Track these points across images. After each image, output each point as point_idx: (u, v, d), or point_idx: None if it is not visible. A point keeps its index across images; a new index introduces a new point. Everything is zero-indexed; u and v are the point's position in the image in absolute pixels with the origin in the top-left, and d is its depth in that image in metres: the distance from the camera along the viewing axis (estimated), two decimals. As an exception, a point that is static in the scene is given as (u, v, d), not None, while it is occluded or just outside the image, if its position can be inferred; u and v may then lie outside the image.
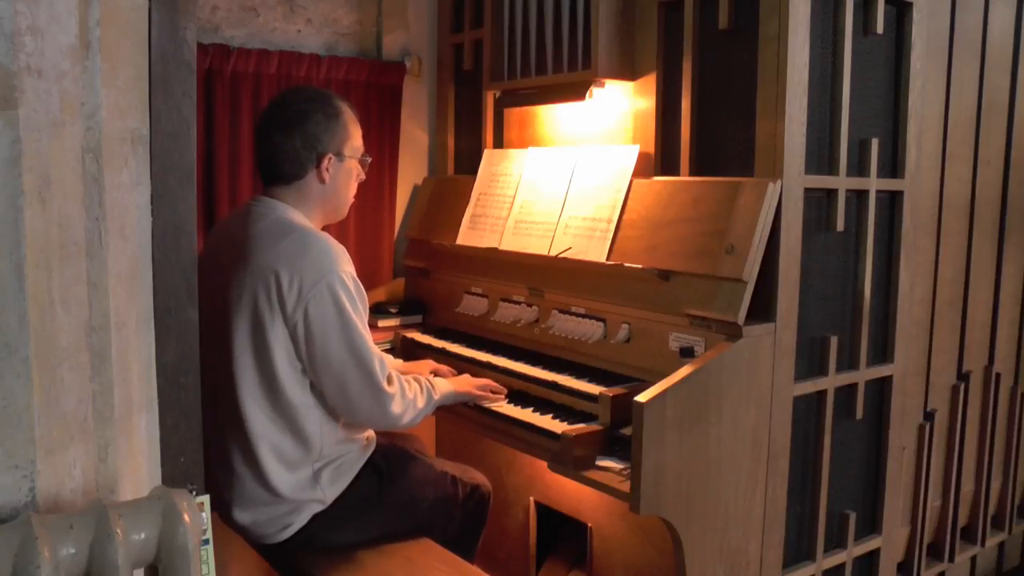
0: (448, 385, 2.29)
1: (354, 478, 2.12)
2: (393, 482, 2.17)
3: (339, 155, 2.11)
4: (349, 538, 2.12)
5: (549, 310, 2.54)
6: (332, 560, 2.07)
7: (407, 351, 2.81)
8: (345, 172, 2.14)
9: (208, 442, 2.00)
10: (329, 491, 2.07)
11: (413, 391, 2.14)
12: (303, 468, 2.05)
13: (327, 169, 2.09)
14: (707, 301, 2.09)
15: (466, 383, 2.35)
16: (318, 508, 2.07)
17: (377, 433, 2.25)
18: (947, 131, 2.62)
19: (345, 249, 2.05)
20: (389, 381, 2.06)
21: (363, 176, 2.21)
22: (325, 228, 2.19)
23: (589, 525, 2.54)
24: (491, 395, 2.36)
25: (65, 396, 1.16)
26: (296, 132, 2.06)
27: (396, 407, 2.06)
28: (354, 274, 2.03)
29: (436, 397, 2.21)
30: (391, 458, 2.21)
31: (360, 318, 2.01)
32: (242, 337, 2.00)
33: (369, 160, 2.23)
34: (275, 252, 1.97)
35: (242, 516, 2.05)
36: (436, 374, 2.48)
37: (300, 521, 2.06)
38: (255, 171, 2.76)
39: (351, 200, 2.22)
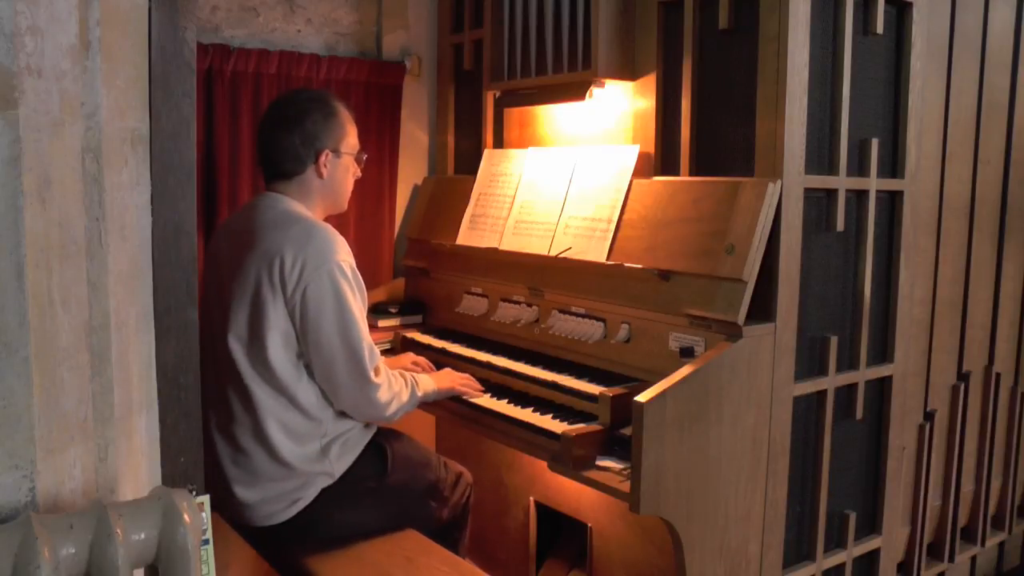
0: (430, 383, 2.33)
1: (360, 455, 2.18)
2: (395, 462, 2.23)
3: (336, 151, 2.22)
4: (352, 518, 2.17)
5: (549, 310, 2.54)
6: (332, 560, 2.07)
7: (407, 351, 2.80)
8: (342, 168, 2.25)
9: (219, 425, 2.05)
10: (337, 464, 2.13)
11: (399, 385, 2.20)
12: (311, 442, 2.11)
13: (325, 165, 2.20)
14: (707, 301, 2.09)
15: (447, 379, 2.39)
16: (327, 482, 2.12)
17: None
18: (947, 131, 2.62)
19: (346, 241, 2.14)
20: (376, 372, 2.12)
21: (359, 173, 2.32)
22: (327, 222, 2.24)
23: (589, 525, 2.54)
24: (472, 390, 2.40)
25: (65, 396, 1.16)
26: (295, 130, 2.17)
27: (382, 396, 2.12)
28: (354, 265, 2.12)
29: (419, 394, 2.26)
30: (393, 440, 2.28)
31: (357, 306, 2.08)
32: (241, 318, 2.08)
33: (365, 157, 2.33)
34: (282, 237, 2.07)
35: (250, 494, 2.10)
36: (415, 364, 2.55)
37: (309, 496, 2.11)
38: (255, 171, 2.79)
39: (348, 194, 2.32)
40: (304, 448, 2.10)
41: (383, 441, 2.25)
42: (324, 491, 2.12)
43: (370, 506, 2.19)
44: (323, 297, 2.02)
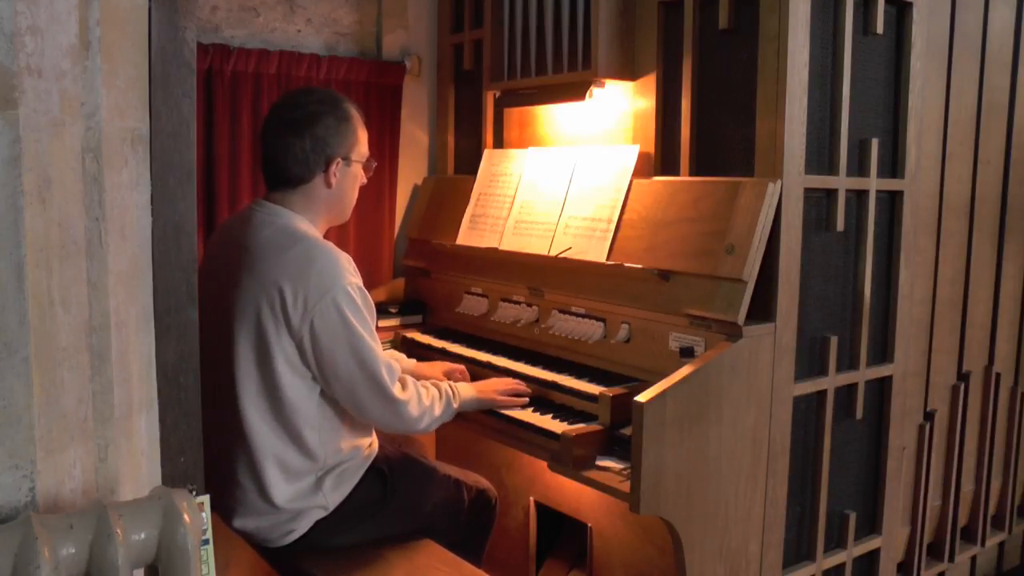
0: (471, 391, 2.24)
1: (357, 483, 2.11)
2: (396, 486, 2.16)
3: (347, 160, 2.08)
4: (352, 541, 2.11)
5: (549, 310, 2.54)
6: (333, 560, 2.07)
7: (407, 351, 2.80)
8: (351, 177, 2.12)
9: (210, 451, 1.99)
10: (332, 497, 2.06)
11: (431, 397, 2.11)
12: (306, 478, 2.04)
13: (335, 174, 2.06)
14: (707, 301, 2.09)
15: (490, 389, 2.29)
16: (320, 514, 2.06)
17: (379, 437, 2.24)
18: (947, 131, 2.62)
19: (351, 258, 2.02)
20: (403, 386, 2.04)
21: (365, 180, 2.19)
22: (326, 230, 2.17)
23: (589, 525, 2.54)
24: (515, 400, 2.31)
25: (65, 396, 1.16)
26: (307, 134, 2.02)
27: (412, 411, 2.04)
28: (360, 284, 2.00)
29: (455, 405, 2.17)
30: (394, 463, 2.20)
31: (367, 329, 1.98)
32: (245, 347, 1.98)
33: (374, 164, 2.21)
34: (280, 264, 1.95)
35: (244, 523, 2.04)
36: (448, 374, 2.46)
37: (302, 527, 2.05)
38: (255, 171, 2.77)
39: (353, 204, 2.19)
40: (297, 485, 2.02)
41: (383, 466, 2.16)
42: (318, 522, 2.06)
43: (369, 530, 2.13)
44: (332, 328, 1.92)
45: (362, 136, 2.13)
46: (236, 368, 1.99)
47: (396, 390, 2.01)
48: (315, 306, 1.92)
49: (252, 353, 1.98)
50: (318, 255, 1.96)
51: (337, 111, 2.06)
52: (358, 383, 1.97)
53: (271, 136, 2.07)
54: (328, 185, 2.07)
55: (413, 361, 2.54)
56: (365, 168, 2.17)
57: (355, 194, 2.17)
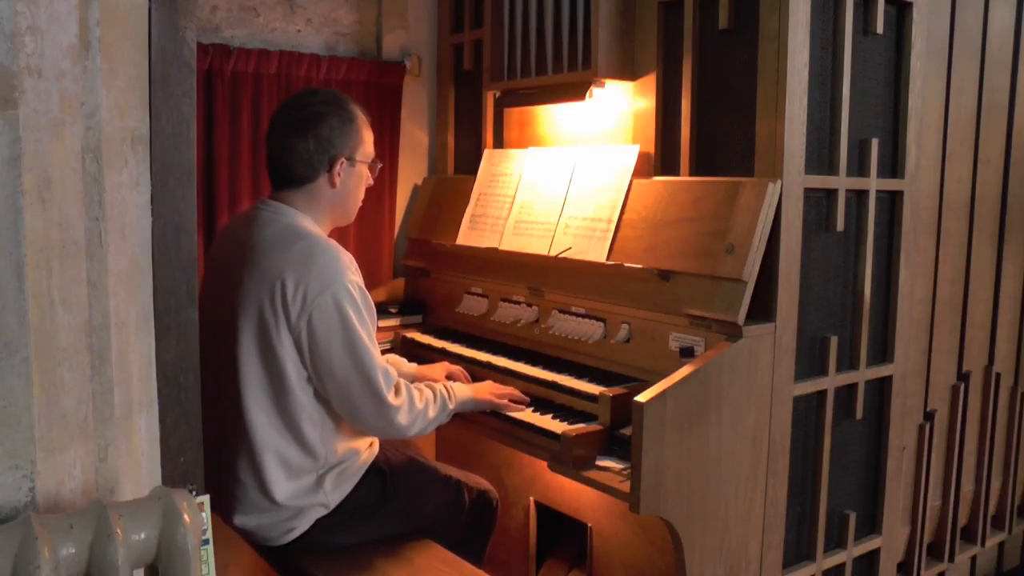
0: (467, 391, 2.24)
1: (358, 483, 2.10)
2: (396, 486, 2.16)
3: (351, 160, 2.09)
4: (352, 541, 2.11)
5: (549, 310, 2.54)
6: (333, 560, 2.07)
7: (407, 351, 2.81)
8: (356, 177, 2.13)
9: (211, 449, 1.99)
10: (332, 495, 2.06)
11: (424, 400, 2.10)
12: (307, 475, 2.04)
13: (339, 174, 2.08)
14: (707, 301, 2.09)
15: (486, 391, 2.30)
16: (321, 512, 2.06)
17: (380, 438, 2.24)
18: (947, 131, 2.62)
19: (353, 258, 2.03)
20: (397, 391, 2.03)
21: (371, 181, 2.20)
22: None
23: (589, 525, 2.54)
24: (512, 404, 2.31)
25: (65, 396, 1.16)
26: (310, 134, 2.04)
27: (402, 418, 2.04)
28: (361, 283, 2.01)
29: (451, 406, 2.17)
30: (394, 463, 2.20)
31: (365, 328, 1.98)
32: (248, 342, 1.99)
33: (380, 165, 2.22)
34: (282, 259, 1.96)
35: (245, 521, 2.05)
36: (450, 376, 2.45)
37: (303, 525, 2.05)
38: (255, 171, 2.78)
39: (359, 205, 2.20)
40: (298, 482, 2.02)
41: (384, 466, 2.16)
42: (319, 520, 2.06)
43: (369, 530, 2.13)
44: (330, 325, 1.93)
45: (367, 136, 2.14)
46: (240, 365, 2.00)
47: (391, 395, 2.01)
48: (314, 301, 1.92)
49: (255, 349, 1.99)
50: (320, 252, 1.98)
51: (341, 111, 2.08)
52: (353, 383, 1.97)
53: (276, 136, 2.09)
54: (332, 185, 2.08)
55: (414, 365, 2.54)
56: (371, 168, 2.17)
57: (360, 195, 2.18)
